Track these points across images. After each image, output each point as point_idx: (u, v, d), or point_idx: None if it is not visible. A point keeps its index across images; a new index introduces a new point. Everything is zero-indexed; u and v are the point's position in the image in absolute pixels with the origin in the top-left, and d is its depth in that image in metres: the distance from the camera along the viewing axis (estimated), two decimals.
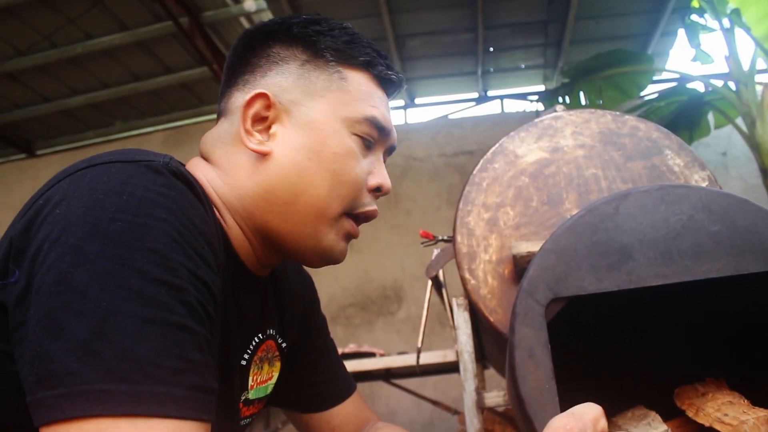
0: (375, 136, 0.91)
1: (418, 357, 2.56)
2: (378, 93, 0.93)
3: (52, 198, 0.65)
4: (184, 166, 0.85)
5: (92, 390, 0.54)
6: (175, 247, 0.63)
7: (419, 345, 2.41)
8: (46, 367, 0.55)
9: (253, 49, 0.91)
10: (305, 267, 1.09)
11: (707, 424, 0.90)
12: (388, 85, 0.95)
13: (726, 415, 0.88)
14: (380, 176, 0.92)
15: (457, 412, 3.77)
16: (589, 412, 0.73)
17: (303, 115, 0.86)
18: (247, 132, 0.86)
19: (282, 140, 0.86)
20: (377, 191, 0.92)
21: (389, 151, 0.97)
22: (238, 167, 0.87)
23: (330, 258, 0.91)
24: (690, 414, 0.97)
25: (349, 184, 0.87)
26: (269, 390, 1.04)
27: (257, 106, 0.85)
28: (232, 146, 0.88)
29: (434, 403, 4.02)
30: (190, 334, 0.61)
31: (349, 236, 0.91)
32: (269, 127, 0.87)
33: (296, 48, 0.89)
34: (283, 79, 0.88)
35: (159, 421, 0.56)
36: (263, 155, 0.85)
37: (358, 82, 0.90)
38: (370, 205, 0.91)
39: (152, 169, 0.68)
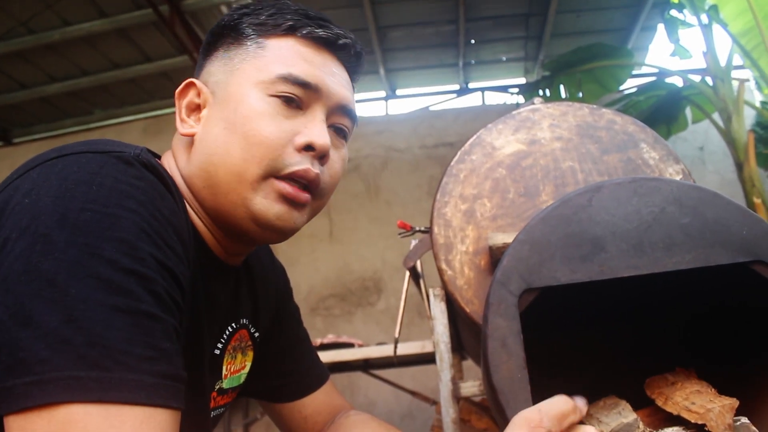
0: (299, 94, 0.85)
1: (395, 347, 2.57)
2: (307, 53, 0.88)
3: (21, 187, 0.65)
4: (159, 157, 0.86)
5: (62, 377, 0.54)
6: (144, 237, 0.63)
7: (396, 335, 2.43)
8: (14, 354, 0.55)
9: (200, 57, 0.96)
10: (272, 246, 1.09)
11: (675, 413, 0.92)
12: (328, 45, 0.90)
13: (693, 403, 0.90)
14: (309, 134, 0.85)
15: (435, 403, 3.79)
16: (557, 406, 0.72)
17: (222, 90, 0.87)
18: (182, 120, 0.89)
19: (207, 120, 0.87)
20: (309, 150, 0.85)
21: (343, 111, 0.92)
22: (179, 154, 0.90)
23: (267, 223, 0.84)
24: (659, 403, 0.98)
25: (262, 145, 0.82)
26: (242, 379, 1.04)
27: (190, 95, 0.90)
28: (176, 137, 0.92)
29: (412, 393, 4.04)
30: (159, 322, 0.61)
31: (287, 199, 0.84)
32: (201, 113, 0.90)
33: (224, 36, 0.91)
34: (211, 65, 0.91)
35: (129, 408, 0.56)
36: (191, 138, 0.88)
37: (279, 47, 0.87)
38: (299, 164, 0.84)
39: (123, 160, 0.68)
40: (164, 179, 0.73)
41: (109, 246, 0.60)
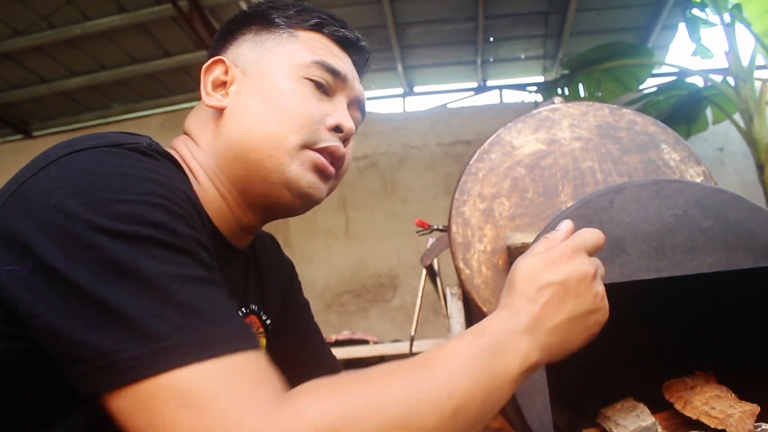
0: (330, 80, 0.92)
1: (411, 345, 2.57)
2: (334, 48, 0.96)
3: (39, 186, 0.65)
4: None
5: (169, 345, 0.57)
6: (180, 221, 0.66)
7: (412, 333, 2.43)
8: (109, 331, 0.57)
9: (219, 39, 1.01)
10: (287, 242, 1.12)
11: (694, 417, 0.91)
12: (347, 45, 0.98)
13: (713, 408, 0.89)
14: (339, 117, 0.92)
15: None
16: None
17: (254, 68, 0.92)
18: (207, 94, 0.92)
19: (237, 94, 0.91)
20: (338, 131, 0.92)
21: (358, 105, 0.99)
22: (206, 130, 0.93)
23: (300, 190, 0.89)
24: (678, 407, 0.98)
25: (300, 118, 0.88)
26: None
27: (216, 72, 0.93)
28: (201, 113, 0.94)
29: None
30: (218, 286, 0.65)
31: (318, 170, 0.90)
32: (229, 89, 0.93)
33: (251, 23, 0.97)
34: (240, 46, 0.95)
35: (234, 356, 0.60)
36: (221, 111, 0.91)
37: (310, 37, 0.95)
38: (331, 141, 0.91)
39: (139, 151, 0.70)
40: (179, 165, 0.77)
41: (155, 230, 0.62)
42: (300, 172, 0.88)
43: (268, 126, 0.87)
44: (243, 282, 0.99)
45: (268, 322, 1.06)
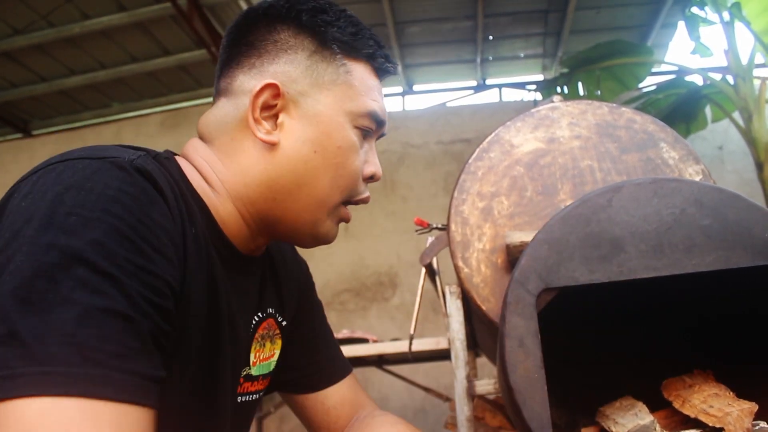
0: (373, 128, 0.95)
1: (410, 343, 2.57)
2: (377, 84, 0.97)
3: (22, 189, 0.70)
4: (169, 158, 0.89)
5: (31, 372, 0.56)
6: (124, 242, 0.66)
7: (412, 332, 2.43)
8: None
9: (257, 30, 0.92)
10: (298, 248, 1.13)
11: (693, 416, 0.91)
12: (385, 75, 1.00)
13: (711, 406, 0.89)
14: (374, 165, 0.97)
15: (449, 399, 3.79)
16: None
17: (310, 107, 0.89)
18: (256, 121, 0.88)
19: (289, 131, 0.89)
20: (370, 179, 0.97)
21: (379, 136, 1.02)
22: (244, 154, 0.90)
23: (324, 241, 0.96)
24: (676, 405, 0.98)
25: (349, 177, 0.92)
26: (272, 367, 1.07)
27: (266, 95, 0.87)
28: (237, 131, 0.90)
29: (426, 389, 4.04)
30: (131, 323, 0.63)
31: (342, 221, 0.97)
32: (276, 116, 0.89)
33: (304, 37, 0.91)
34: (291, 68, 0.89)
35: (100, 403, 0.58)
36: (271, 145, 0.88)
37: (362, 75, 0.94)
38: (364, 192, 0.97)
39: (116, 165, 0.71)
40: (157, 184, 0.75)
41: (89, 249, 0.63)
42: (330, 227, 0.95)
43: (319, 183, 0.90)
44: (259, 288, 1.02)
45: (284, 323, 1.08)
